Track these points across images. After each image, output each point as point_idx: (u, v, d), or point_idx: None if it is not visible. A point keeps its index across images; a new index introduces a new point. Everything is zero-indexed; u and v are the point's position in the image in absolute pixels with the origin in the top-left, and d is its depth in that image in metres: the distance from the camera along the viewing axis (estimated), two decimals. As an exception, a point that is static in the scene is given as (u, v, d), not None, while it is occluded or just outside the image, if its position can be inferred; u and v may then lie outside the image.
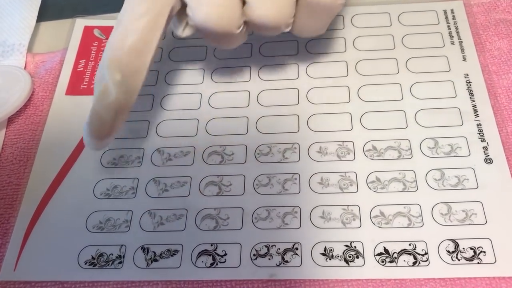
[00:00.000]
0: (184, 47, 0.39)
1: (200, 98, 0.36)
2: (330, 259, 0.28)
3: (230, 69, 0.37)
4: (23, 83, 0.37)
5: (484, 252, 0.28)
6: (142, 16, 0.27)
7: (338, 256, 0.28)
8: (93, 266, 0.29)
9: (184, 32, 0.30)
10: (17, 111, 0.36)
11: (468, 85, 0.34)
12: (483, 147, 0.31)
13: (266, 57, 0.37)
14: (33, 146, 0.35)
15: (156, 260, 0.29)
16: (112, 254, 0.30)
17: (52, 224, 0.31)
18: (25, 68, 0.39)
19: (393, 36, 0.37)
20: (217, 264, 0.29)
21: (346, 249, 0.29)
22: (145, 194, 0.32)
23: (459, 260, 0.28)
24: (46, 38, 0.41)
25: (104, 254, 0.30)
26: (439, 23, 0.37)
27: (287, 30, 0.30)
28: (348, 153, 0.32)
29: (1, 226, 0.31)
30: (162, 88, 0.37)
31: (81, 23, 0.41)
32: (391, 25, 0.37)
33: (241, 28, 0.29)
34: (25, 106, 0.36)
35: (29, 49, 0.40)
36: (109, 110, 0.28)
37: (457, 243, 0.28)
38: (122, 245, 0.30)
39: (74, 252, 0.30)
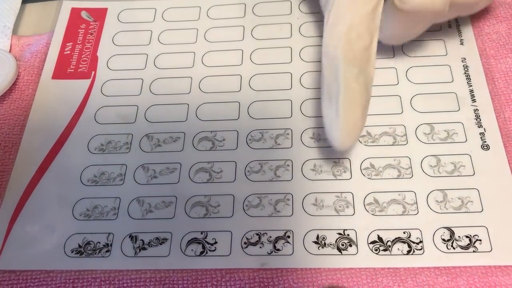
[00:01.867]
0: (174, 30, 0.38)
1: (190, 82, 0.35)
2: (322, 248, 0.28)
3: (222, 52, 0.36)
4: (7, 67, 0.36)
5: (480, 240, 0.27)
6: (365, 6, 0.28)
7: (331, 245, 0.28)
8: (80, 255, 0.29)
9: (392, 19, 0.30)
10: (2, 95, 0.35)
11: (465, 69, 0.33)
12: (480, 133, 0.31)
13: (259, 40, 0.36)
14: (18, 132, 0.34)
15: (144, 249, 0.29)
16: (99, 243, 0.29)
17: (37, 212, 0.30)
18: (10, 51, 0.38)
19: (389, 19, 0.36)
20: (207, 252, 0.28)
21: (339, 237, 0.28)
22: (134, 181, 0.31)
23: (454, 248, 0.27)
24: (32, 20, 0.40)
25: (91, 243, 0.29)
26: (436, 5, 0.36)
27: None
28: (342, 139, 0.31)
29: (-15, 214, 0.31)
30: (151, 72, 0.36)
31: (68, 4, 0.40)
32: (387, 7, 0.37)
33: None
34: (10, 90, 0.35)
35: (14, 31, 0.39)
36: (357, 105, 0.27)
37: (452, 231, 0.28)
38: (109, 233, 0.29)
39: (60, 240, 0.29)
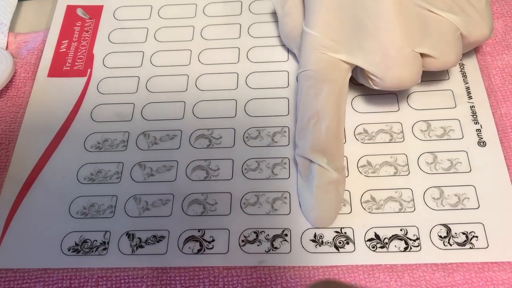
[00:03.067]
0: (170, 27, 0.38)
1: (187, 80, 0.35)
2: (320, 246, 0.28)
3: (218, 50, 0.36)
4: (4, 64, 0.35)
5: (477, 237, 0.27)
6: (329, 98, 0.28)
7: (328, 242, 0.28)
8: (77, 253, 0.29)
9: None
10: (-2, 92, 0.35)
11: (461, 67, 0.33)
12: (476, 130, 0.31)
13: (255, 38, 0.36)
14: (15, 129, 0.34)
15: (141, 247, 0.29)
16: (96, 241, 0.29)
17: (34, 210, 0.30)
18: (6, 48, 0.37)
19: (385, 16, 0.36)
20: (204, 250, 0.28)
21: (336, 235, 0.28)
22: (130, 179, 0.31)
23: (451, 245, 0.27)
24: (29, 18, 0.40)
25: (88, 241, 0.29)
26: (432, 2, 0.36)
27: None
28: (339, 137, 0.31)
29: (-19, 212, 0.31)
30: (147, 69, 0.36)
31: (63, 2, 0.39)
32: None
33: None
34: (7, 87, 0.35)
35: (11, 28, 0.39)
36: (331, 190, 0.28)
37: (449, 228, 0.28)
38: (106, 231, 0.29)
39: (57, 239, 0.29)
